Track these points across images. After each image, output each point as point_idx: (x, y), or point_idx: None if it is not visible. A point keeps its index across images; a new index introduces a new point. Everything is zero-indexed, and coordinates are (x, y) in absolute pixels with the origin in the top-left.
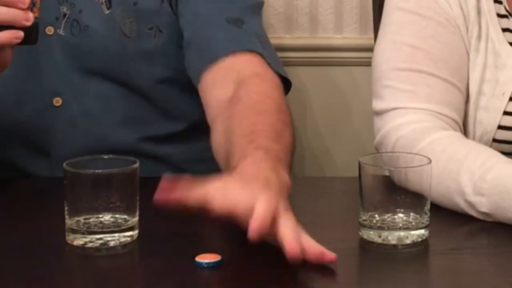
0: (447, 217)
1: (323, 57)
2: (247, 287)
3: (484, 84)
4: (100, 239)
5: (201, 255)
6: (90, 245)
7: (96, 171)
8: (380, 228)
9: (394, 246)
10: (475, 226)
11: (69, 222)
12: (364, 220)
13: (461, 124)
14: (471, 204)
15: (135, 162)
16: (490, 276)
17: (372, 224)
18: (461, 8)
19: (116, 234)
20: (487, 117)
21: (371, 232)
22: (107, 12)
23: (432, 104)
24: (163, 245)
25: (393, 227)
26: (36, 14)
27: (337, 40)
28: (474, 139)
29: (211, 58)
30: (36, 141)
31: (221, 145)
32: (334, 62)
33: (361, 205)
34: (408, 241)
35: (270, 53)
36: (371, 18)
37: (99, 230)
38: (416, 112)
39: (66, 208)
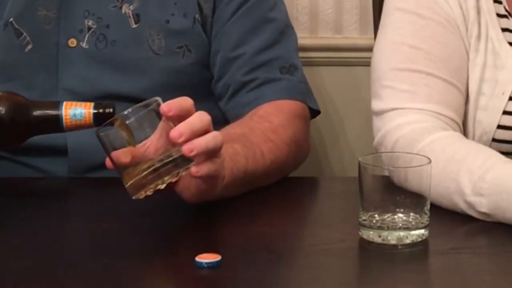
0: (447, 217)
1: (323, 57)
2: (247, 287)
3: (484, 84)
4: None
5: (201, 255)
6: None
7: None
8: (380, 228)
9: (394, 246)
10: (475, 226)
11: None
12: (364, 220)
13: (460, 124)
14: (470, 205)
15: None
16: (490, 276)
17: (372, 224)
18: (461, 8)
19: None
20: (486, 117)
21: (371, 232)
22: (134, 26)
23: (431, 104)
24: (163, 245)
25: (393, 227)
26: None
27: (337, 40)
28: (473, 139)
29: (260, 102)
30: (53, 145)
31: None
32: (334, 62)
33: (361, 205)
34: (408, 241)
35: (309, 94)
36: (371, 18)
37: None
38: (415, 112)
39: None
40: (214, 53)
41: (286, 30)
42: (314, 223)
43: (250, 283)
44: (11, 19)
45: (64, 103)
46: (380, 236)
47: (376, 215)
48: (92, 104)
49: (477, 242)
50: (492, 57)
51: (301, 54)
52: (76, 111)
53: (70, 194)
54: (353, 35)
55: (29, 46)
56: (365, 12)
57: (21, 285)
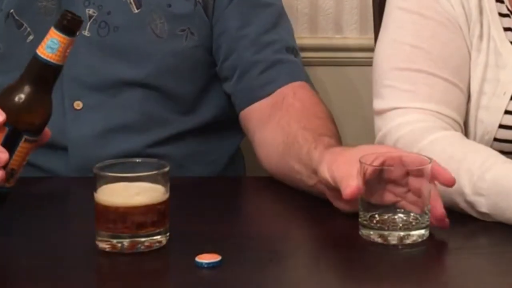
0: (447, 217)
1: (323, 57)
2: (247, 287)
3: (486, 84)
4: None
5: (201, 255)
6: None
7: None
8: (380, 228)
9: (394, 246)
10: (475, 226)
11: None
12: (364, 220)
13: (462, 123)
14: (470, 204)
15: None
16: (490, 276)
17: (372, 224)
18: (463, 7)
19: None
20: (488, 117)
21: (371, 232)
22: (136, 11)
23: (432, 104)
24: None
25: (393, 227)
26: (12, 184)
27: (337, 40)
28: (475, 138)
29: (270, 89)
30: (54, 140)
31: (279, 143)
32: (334, 62)
33: (361, 205)
34: (408, 241)
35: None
36: (371, 18)
37: None
38: (416, 112)
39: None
40: (218, 35)
41: (283, 14)
42: (314, 223)
43: (250, 283)
44: (11, 10)
45: (36, 50)
46: (380, 236)
47: (376, 215)
48: (52, 27)
49: (477, 242)
50: (494, 56)
51: (301, 54)
52: (49, 43)
53: (70, 194)
54: (353, 35)
55: (31, 37)
56: (365, 12)
57: (21, 284)
